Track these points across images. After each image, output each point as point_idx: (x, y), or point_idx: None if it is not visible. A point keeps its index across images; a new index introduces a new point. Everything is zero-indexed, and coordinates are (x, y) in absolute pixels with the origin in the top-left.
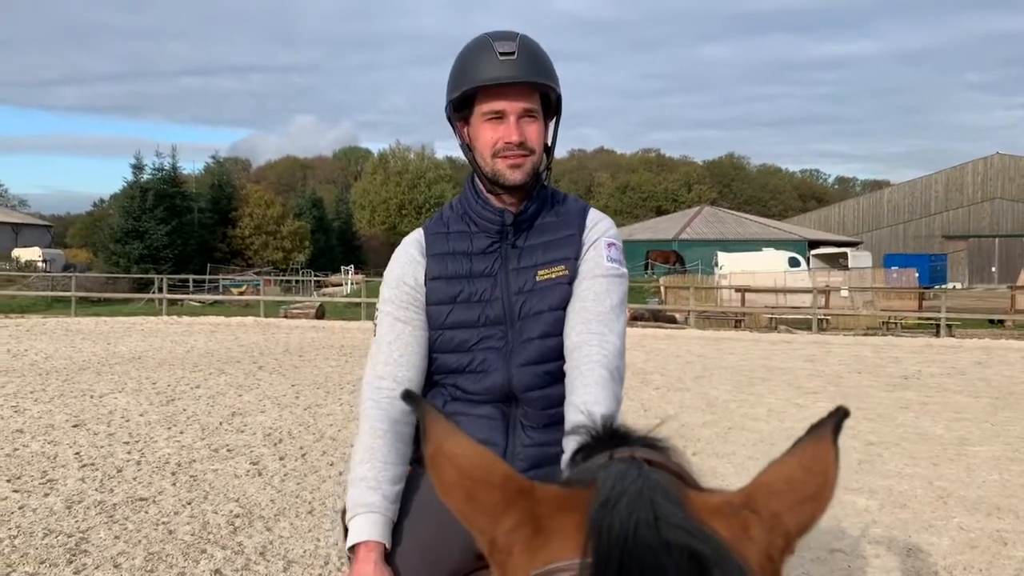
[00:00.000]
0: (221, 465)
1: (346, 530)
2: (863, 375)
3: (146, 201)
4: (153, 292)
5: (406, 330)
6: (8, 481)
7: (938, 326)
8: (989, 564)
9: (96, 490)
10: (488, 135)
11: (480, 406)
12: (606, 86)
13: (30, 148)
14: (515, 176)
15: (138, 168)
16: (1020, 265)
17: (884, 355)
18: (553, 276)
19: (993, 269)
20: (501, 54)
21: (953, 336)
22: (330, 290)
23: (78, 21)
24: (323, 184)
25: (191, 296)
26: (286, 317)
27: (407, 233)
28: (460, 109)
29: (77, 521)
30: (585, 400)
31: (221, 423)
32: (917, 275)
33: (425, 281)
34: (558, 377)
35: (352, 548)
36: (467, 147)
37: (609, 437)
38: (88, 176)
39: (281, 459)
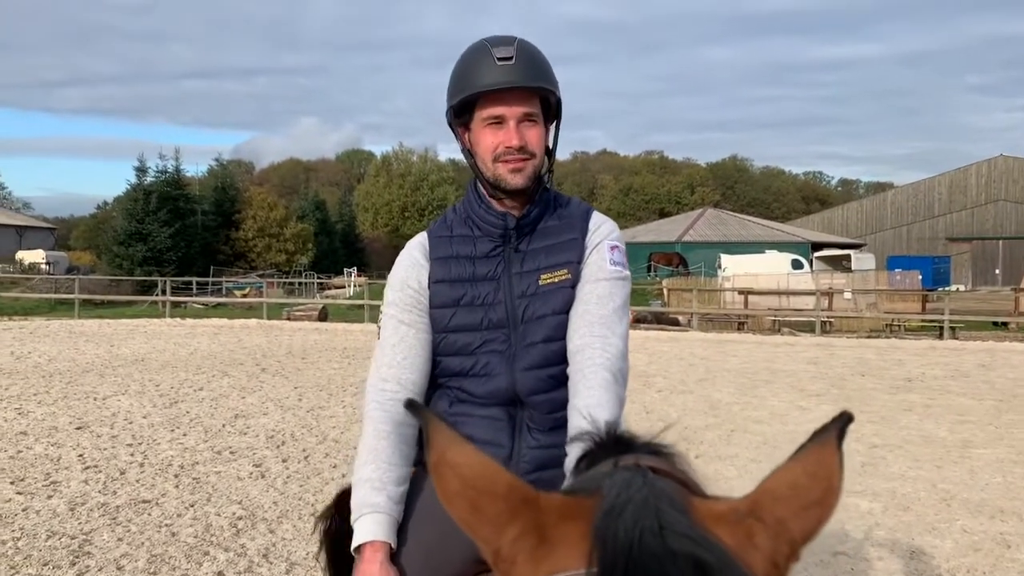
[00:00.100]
0: (224, 467)
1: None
2: (866, 378)
3: (149, 204)
4: (156, 294)
5: (410, 333)
6: (12, 483)
7: (941, 328)
8: (992, 567)
9: (99, 492)
10: (489, 140)
11: (486, 408)
12: (608, 88)
13: (34, 150)
14: (516, 180)
15: (142, 171)
16: None
17: (887, 357)
18: (556, 280)
19: (997, 271)
20: (499, 59)
21: (957, 338)
22: (333, 292)
23: (82, 23)
24: (326, 186)
25: (194, 298)
26: (289, 319)
27: (410, 235)
28: (460, 115)
29: (80, 523)
30: (588, 403)
31: (224, 425)
32: (920, 277)
33: (429, 284)
34: (562, 381)
35: (357, 548)
36: (468, 152)
37: (613, 444)
38: (92, 179)
39: (284, 461)
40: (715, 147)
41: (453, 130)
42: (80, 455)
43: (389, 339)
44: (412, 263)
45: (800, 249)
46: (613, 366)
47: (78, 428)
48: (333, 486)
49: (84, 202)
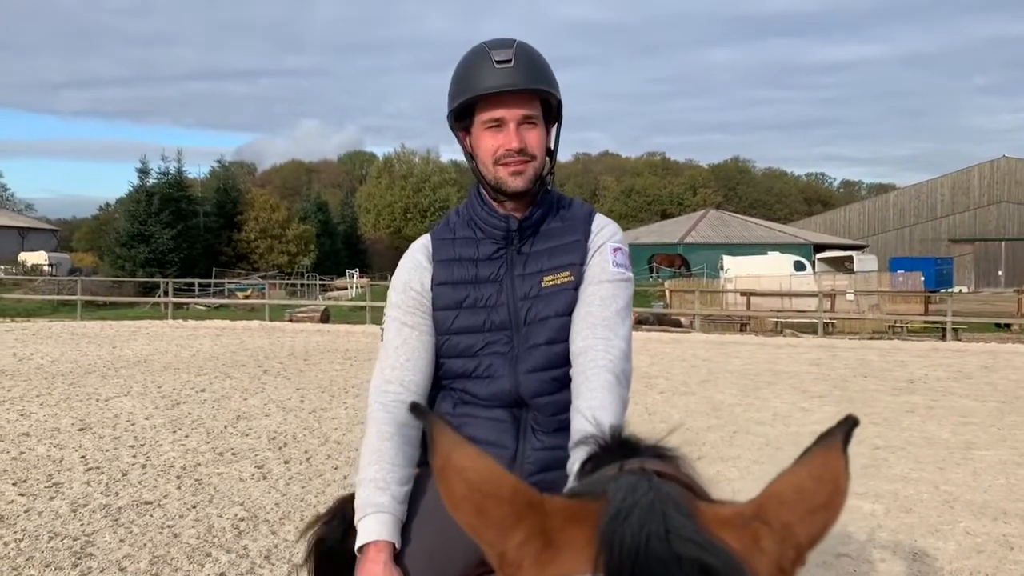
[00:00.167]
0: (226, 469)
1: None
2: (869, 379)
3: (152, 205)
4: (159, 296)
5: (413, 335)
6: (14, 484)
7: (944, 330)
8: (996, 569)
9: (101, 493)
10: (489, 143)
11: (490, 409)
12: (610, 90)
13: (36, 152)
14: (517, 183)
15: (144, 172)
16: None
17: (890, 359)
18: (559, 282)
19: (1000, 273)
20: (498, 62)
21: (959, 340)
22: (335, 294)
23: (85, 25)
24: (328, 188)
25: (196, 300)
26: (291, 321)
27: (412, 237)
28: (461, 118)
29: (82, 524)
30: (591, 405)
31: (226, 427)
32: (923, 279)
33: (432, 286)
34: (565, 383)
35: (361, 548)
36: (470, 155)
37: (618, 447)
38: (94, 180)
39: (286, 463)
40: (717, 148)
41: (455, 133)
42: (82, 456)
43: (392, 341)
44: (415, 265)
45: (802, 250)
46: (616, 368)
47: (80, 429)
48: (335, 487)
49: (86, 204)
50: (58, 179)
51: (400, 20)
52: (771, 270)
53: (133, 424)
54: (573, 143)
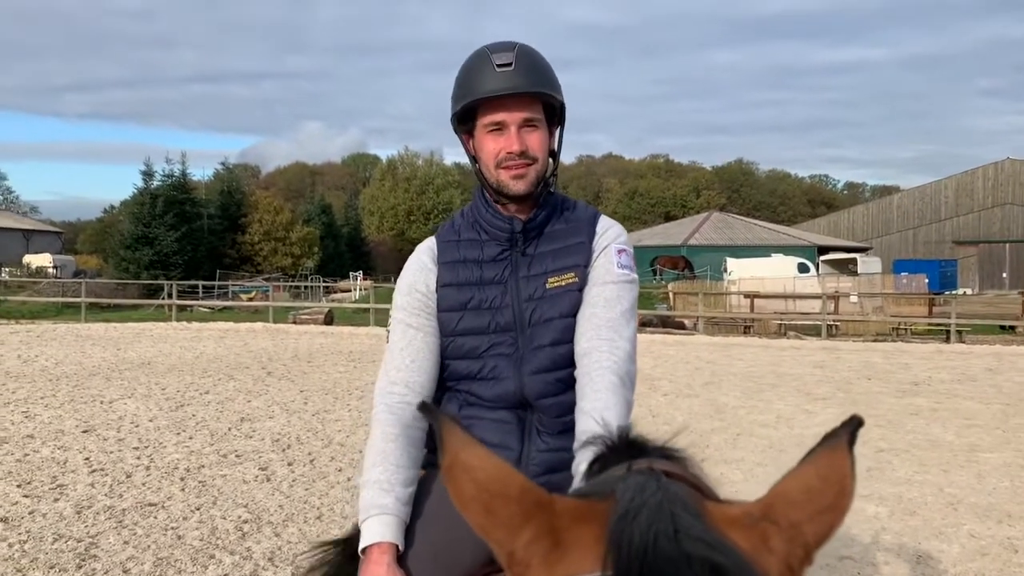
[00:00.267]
0: (230, 471)
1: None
2: (873, 381)
3: (156, 207)
4: (163, 298)
5: (418, 336)
6: (18, 486)
7: (948, 332)
8: (1000, 572)
9: (105, 495)
10: (490, 146)
11: (495, 411)
12: (614, 92)
13: (41, 155)
14: (518, 186)
15: (148, 175)
16: None
17: (894, 361)
18: (563, 283)
19: (1004, 275)
20: (498, 66)
21: (963, 342)
22: (339, 296)
23: (89, 28)
24: (332, 190)
25: (200, 302)
26: (295, 323)
27: (416, 239)
28: (464, 122)
29: (87, 526)
30: (595, 406)
31: (230, 429)
32: (927, 281)
33: (436, 288)
34: (570, 384)
35: (364, 550)
36: (473, 158)
37: (626, 448)
38: (98, 183)
39: (290, 465)
40: (721, 150)
41: (458, 136)
42: (86, 458)
43: (397, 343)
44: (420, 267)
45: (806, 252)
46: (620, 369)
47: (85, 431)
48: (339, 489)
49: (91, 206)
50: (63, 181)
51: (402, 22)
52: (775, 272)
53: (137, 426)
54: (576, 145)
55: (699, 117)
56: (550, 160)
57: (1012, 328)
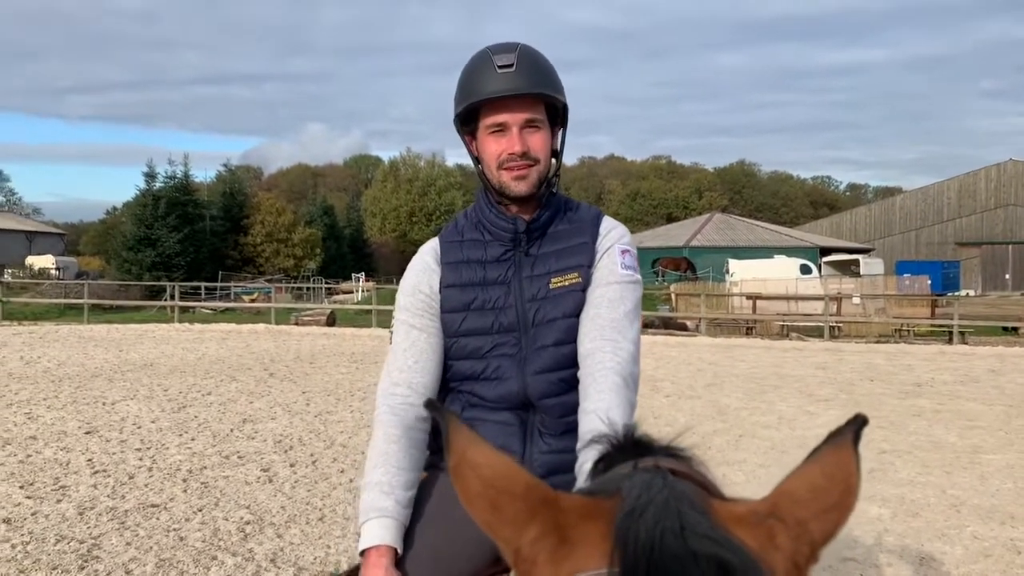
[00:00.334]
0: (232, 472)
1: None
2: (875, 383)
3: (158, 209)
4: (165, 299)
5: (421, 337)
6: (21, 487)
7: (951, 333)
8: (1003, 573)
9: (108, 496)
10: (492, 147)
11: (497, 412)
12: (616, 93)
13: (44, 156)
14: (520, 187)
15: (151, 176)
16: None
17: (896, 363)
18: (567, 284)
19: (1007, 276)
20: (500, 67)
21: (966, 343)
22: (341, 297)
23: (92, 30)
24: (334, 192)
25: (203, 303)
26: (297, 324)
27: (418, 240)
28: (467, 123)
29: (89, 527)
30: (598, 407)
31: (232, 430)
32: (930, 282)
33: (440, 289)
34: (573, 385)
35: (363, 552)
36: (476, 160)
37: (631, 446)
38: (101, 184)
39: (292, 466)
40: (723, 152)
41: (461, 138)
42: (89, 459)
43: (400, 343)
44: (424, 268)
45: (808, 254)
46: (624, 370)
47: (87, 432)
48: (341, 491)
49: (93, 207)
50: (65, 183)
51: (404, 23)
52: (777, 273)
53: (139, 427)
54: (578, 147)
55: (701, 118)
56: (552, 161)
57: (1015, 329)
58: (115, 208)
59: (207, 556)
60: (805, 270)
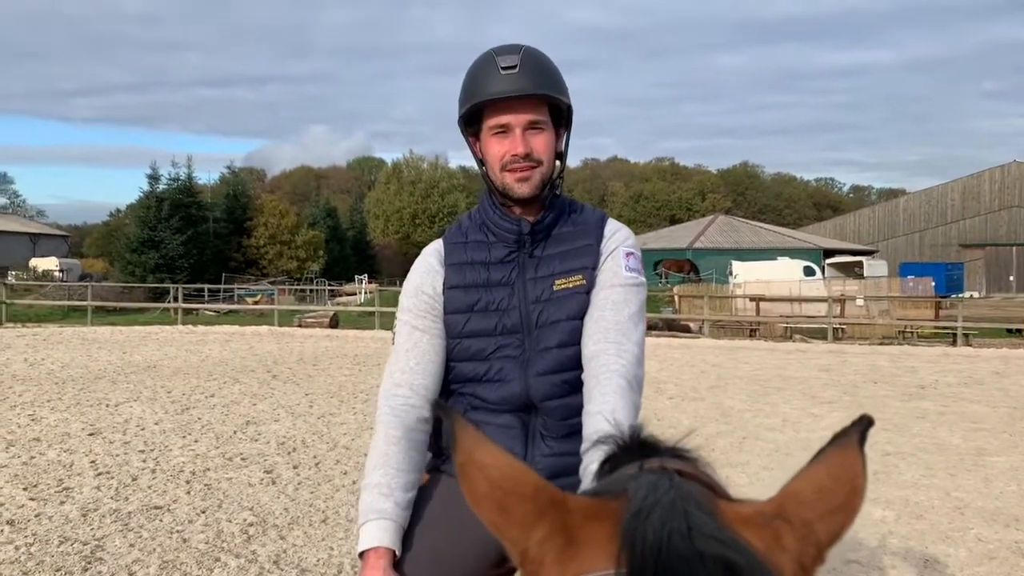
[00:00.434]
0: (235, 474)
1: None
2: (879, 385)
3: (162, 211)
4: (168, 301)
5: (423, 339)
6: (25, 489)
7: (955, 335)
8: None
9: (111, 498)
10: (496, 149)
11: (499, 415)
12: (619, 95)
13: (48, 159)
14: (523, 189)
15: (154, 178)
16: None
17: (900, 365)
18: (571, 286)
19: (1011, 278)
20: (503, 68)
21: (970, 345)
22: (344, 299)
23: (95, 33)
24: (337, 194)
25: (206, 305)
26: (300, 326)
27: (421, 242)
28: (471, 124)
29: (92, 529)
30: (603, 409)
31: (235, 432)
32: (933, 284)
33: (443, 290)
34: (576, 387)
35: (362, 554)
36: (480, 161)
37: (637, 447)
38: (105, 186)
39: (295, 468)
40: (726, 153)
41: (466, 139)
42: (92, 461)
43: (403, 345)
44: (427, 269)
45: (812, 256)
46: (628, 372)
47: (91, 434)
48: (344, 492)
49: (97, 210)
50: (69, 185)
51: (407, 25)
52: (780, 275)
53: (143, 429)
54: (581, 148)
55: (704, 120)
56: (556, 163)
57: (1019, 331)
58: (119, 210)
59: (210, 558)
60: (809, 272)
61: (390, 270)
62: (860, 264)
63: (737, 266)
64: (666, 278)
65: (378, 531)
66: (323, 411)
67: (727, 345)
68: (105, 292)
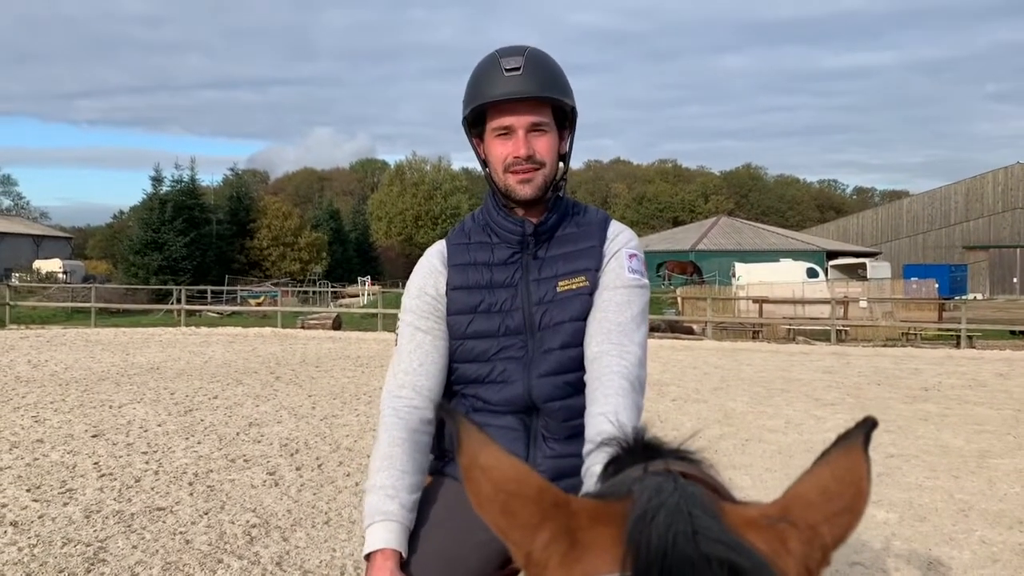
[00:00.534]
0: (238, 475)
1: None
2: (882, 387)
3: (165, 213)
4: (171, 303)
5: (426, 340)
6: (28, 490)
7: (958, 337)
8: None
9: (114, 500)
10: (499, 150)
11: (501, 417)
12: (622, 97)
13: (51, 161)
14: (525, 191)
15: (157, 180)
16: None
17: (904, 366)
18: (574, 287)
19: (1015, 279)
20: (507, 70)
21: (974, 347)
22: (347, 301)
23: (99, 35)
24: (340, 196)
25: (209, 307)
26: (303, 328)
27: (424, 244)
28: (475, 125)
29: (95, 530)
30: (606, 410)
31: (238, 433)
32: (937, 286)
33: (446, 291)
34: (579, 388)
35: (368, 556)
36: (484, 162)
37: (641, 449)
38: (108, 188)
39: (298, 469)
40: (729, 155)
41: (470, 140)
42: (95, 463)
43: (406, 346)
44: (430, 270)
45: (815, 257)
46: (630, 374)
47: (94, 436)
48: (347, 494)
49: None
50: (73, 187)
51: (410, 28)
52: (784, 277)
53: (146, 431)
54: (585, 150)
55: (707, 122)
56: (560, 164)
57: (1023, 333)
58: (122, 212)
59: (213, 559)
60: (812, 274)
61: (393, 272)
62: (863, 266)
63: (740, 268)
64: (669, 280)
65: (384, 533)
66: (326, 413)
67: (730, 347)
68: (109, 294)
